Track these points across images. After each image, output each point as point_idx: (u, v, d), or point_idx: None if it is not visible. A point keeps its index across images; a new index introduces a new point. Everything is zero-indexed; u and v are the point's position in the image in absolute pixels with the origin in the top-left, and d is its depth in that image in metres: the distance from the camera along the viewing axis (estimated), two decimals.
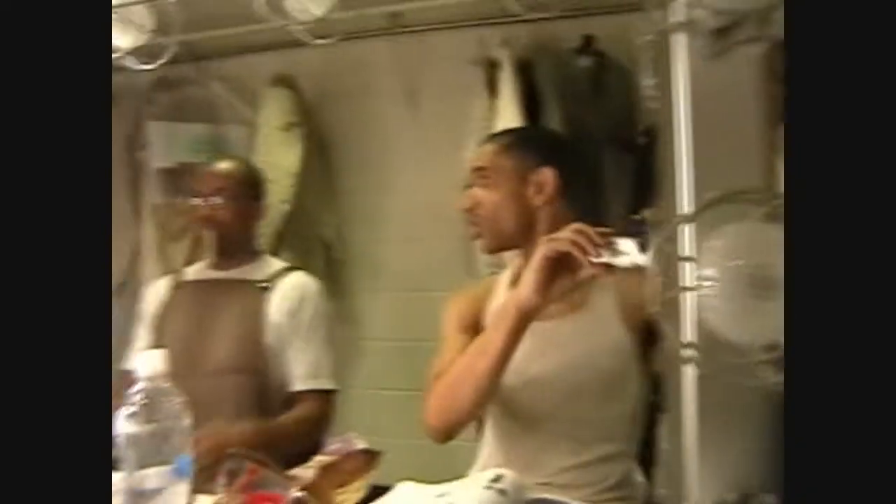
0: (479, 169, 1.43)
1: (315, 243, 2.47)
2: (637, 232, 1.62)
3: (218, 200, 1.77)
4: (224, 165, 1.85)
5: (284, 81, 2.45)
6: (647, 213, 1.58)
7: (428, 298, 2.15)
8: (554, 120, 2.19)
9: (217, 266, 1.85)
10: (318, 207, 2.48)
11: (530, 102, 2.21)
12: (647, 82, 1.17)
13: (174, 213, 2.50)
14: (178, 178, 2.48)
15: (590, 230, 1.14)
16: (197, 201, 1.79)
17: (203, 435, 1.42)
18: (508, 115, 2.18)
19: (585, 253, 1.12)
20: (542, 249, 1.17)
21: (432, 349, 1.42)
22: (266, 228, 2.20)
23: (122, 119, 2.56)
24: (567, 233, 1.15)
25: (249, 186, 1.84)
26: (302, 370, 1.75)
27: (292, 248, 2.36)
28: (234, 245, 1.82)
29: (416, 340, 2.06)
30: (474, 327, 1.41)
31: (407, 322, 2.41)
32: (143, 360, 1.01)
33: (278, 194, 2.32)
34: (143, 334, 1.84)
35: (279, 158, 2.39)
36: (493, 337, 1.23)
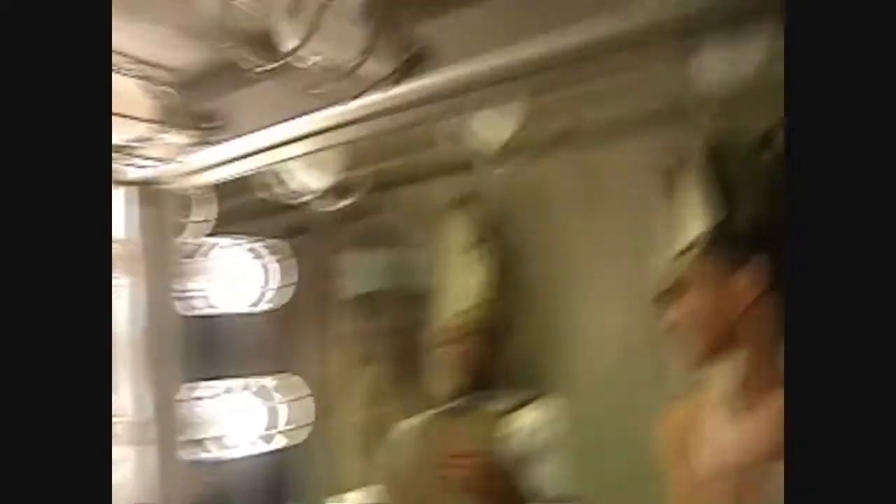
0: (677, 280, 1.38)
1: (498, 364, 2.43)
2: None
3: (464, 345, 1.86)
4: (465, 311, 2.05)
5: (463, 204, 2.49)
6: None
7: (610, 413, 2.13)
8: (742, 217, 2.09)
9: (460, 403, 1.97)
10: (499, 328, 2.45)
11: (715, 203, 2.12)
12: None
13: (361, 341, 2.57)
14: (365, 307, 2.55)
15: None
16: (443, 343, 1.95)
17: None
18: (694, 220, 2.09)
19: None
20: None
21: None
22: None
23: (311, 250, 2.68)
24: None
25: (491, 329, 1.98)
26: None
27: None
28: (478, 384, 1.89)
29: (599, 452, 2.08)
30: (688, 450, 1.34)
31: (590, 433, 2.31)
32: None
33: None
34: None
35: (461, 281, 2.40)
36: None
